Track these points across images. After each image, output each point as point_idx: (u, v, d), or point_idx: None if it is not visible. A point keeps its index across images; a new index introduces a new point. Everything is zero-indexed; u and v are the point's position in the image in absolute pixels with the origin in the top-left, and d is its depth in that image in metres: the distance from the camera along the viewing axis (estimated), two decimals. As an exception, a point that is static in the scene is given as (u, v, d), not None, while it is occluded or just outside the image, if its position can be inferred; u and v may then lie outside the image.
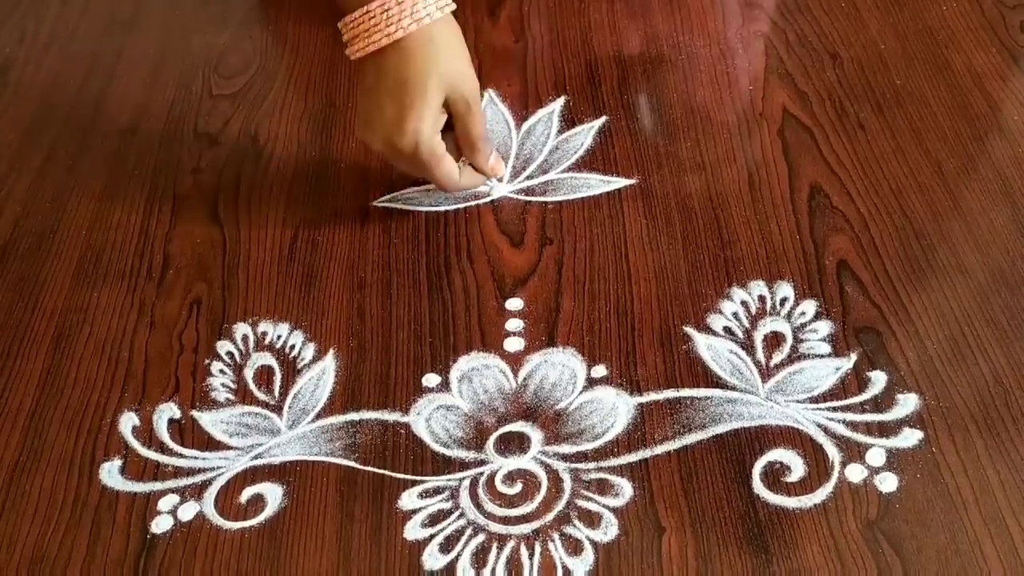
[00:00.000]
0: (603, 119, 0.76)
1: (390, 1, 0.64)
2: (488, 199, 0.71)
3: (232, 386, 0.62)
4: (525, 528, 0.55)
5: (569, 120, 0.76)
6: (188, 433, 0.60)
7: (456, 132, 0.68)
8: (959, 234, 0.67)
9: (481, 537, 0.55)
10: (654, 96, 0.77)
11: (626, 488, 0.56)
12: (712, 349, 0.61)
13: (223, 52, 0.85)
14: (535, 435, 0.58)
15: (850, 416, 0.58)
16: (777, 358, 0.61)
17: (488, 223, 0.70)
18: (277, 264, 0.69)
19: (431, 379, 0.61)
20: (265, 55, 0.85)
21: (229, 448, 0.59)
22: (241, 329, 0.65)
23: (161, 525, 0.56)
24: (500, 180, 0.72)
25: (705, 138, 0.74)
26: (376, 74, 0.65)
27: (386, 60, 0.65)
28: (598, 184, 0.72)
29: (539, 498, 0.56)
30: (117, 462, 0.59)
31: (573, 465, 0.57)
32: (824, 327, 0.62)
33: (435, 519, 0.55)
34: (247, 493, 0.57)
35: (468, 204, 0.71)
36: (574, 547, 0.54)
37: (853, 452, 0.56)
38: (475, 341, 0.63)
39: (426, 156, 0.65)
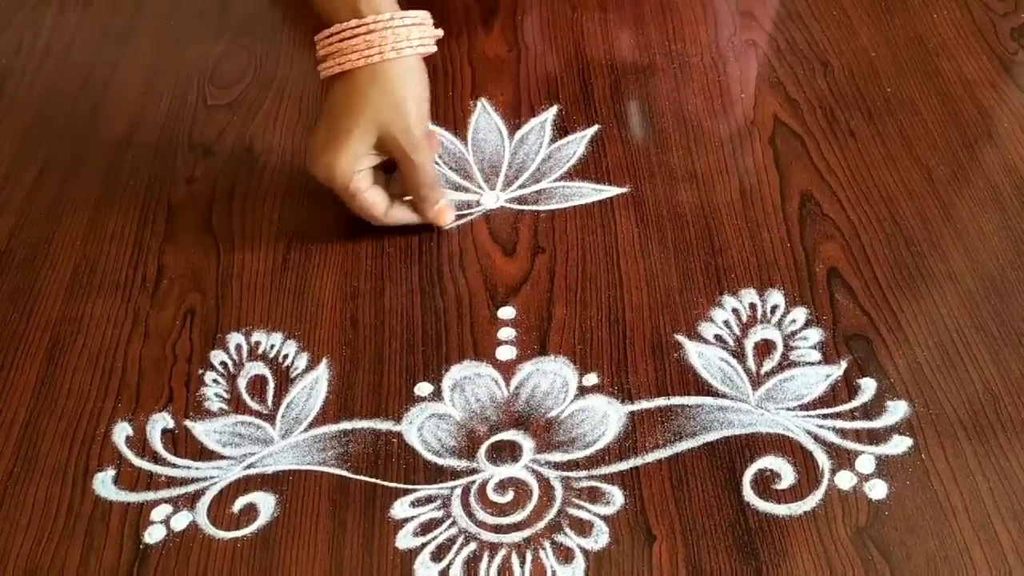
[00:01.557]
0: (595, 128, 0.77)
1: (379, 22, 0.64)
2: (480, 209, 0.72)
3: (225, 396, 0.62)
4: (516, 536, 0.55)
5: (562, 129, 0.77)
6: (181, 443, 0.60)
7: (400, 176, 0.68)
8: (949, 241, 0.67)
9: (473, 546, 0.55)
10: (644, 103, 0.78)
11: (617, 496, 0.56)
12: (703, 357, 0.62)
13: (218, 63, 0.86)
14: (527, 443, 0.59)
15: (840, 423, 0.58)
16: (768, 366, 0.61)
17: (480, 232, 0.70)
18: (271, 274, 0.69)
19: (423, 388, 0.62)
20: (260, 66, 0.85)
21: (222, 458, 0.59)
22: (234, 339, 0.65)
23: (154, 535, 0.56)
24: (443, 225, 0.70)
25: (697, 146, 0.75)
26: (327, 97, 0.66)
27: (338, 86, 0.65)
28: (590, 193, 0.72)
29: (530, 506, 0.56)
30: (110, 472, 0.59)
31: (564, 473, 0.57)
32: (814, 335, 0.62)
33: (427, 528, 0.56)
34: (240, 502, 0.57)
35: (461, 213, 0.71)
36: (565, 555, 0.54)
37: (843, 459, 0.56)
38: (467, 350, 0.63)
39: (338, 190, 0.66)
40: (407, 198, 0.69)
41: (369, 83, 0.64)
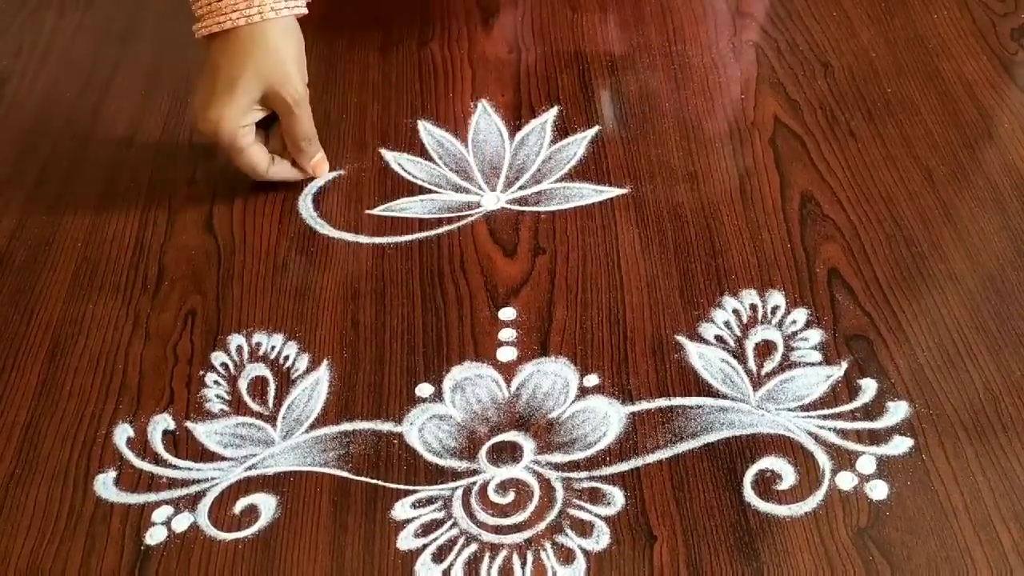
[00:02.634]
0: (596, 129, 0.77)
1: None
2: (481, 210, 0.72)
3: (226, 397, 0.62)
4: (517, 537, 0.55)
5: (562, 130, 0.77)
6: (182, 444, 0.60)
7: (281, 129, 0.71)
8: (949, 242, 0.67)
9: (474, 546, 0.55)
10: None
11: (618, 497, 0.56)
12: (704, 358, 0.62)
13: (218, 64, 0.86)
14: (527, 444, 0.59)
15: (841, 424, 0.58)
16: (768, 366, 0.61)
17: (481, 233, 0.70)
18: (271, 275, 0.69)
19: (424, 389, 0.62)
20: (260, 67, 0.85)
21: (223, 459, 0.59)
22: (235, 340, 0.65)
23: (155, 536, 0.56)
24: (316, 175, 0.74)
25: (697, 147, 0.75)
26: (207, 56, 0.69)
27: (217, 44, 0.68)
28: (591, 194, 0.72)
29: (531, 507, 0.56)
30: (112, 473, 0.59)
31: (565, 474, 0.57)
32: (815, 335, 0.62)
33: (428, 529, 0.56)
34: (241, 504, 0.57)
35: (461, 214, 0.72)
36: (566, 556, 0.54)
37: (844, 460, 0.56)
38: (468, 351, 0.63)
39: (224, 144, 0.69)
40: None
41: (251, 41, 0.67)
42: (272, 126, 0.72)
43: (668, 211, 0.70)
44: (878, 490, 0.55)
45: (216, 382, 0.63)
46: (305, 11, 0.70)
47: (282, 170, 0.73)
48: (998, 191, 0.70)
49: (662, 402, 0.60)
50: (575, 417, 0.60)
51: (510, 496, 0.57)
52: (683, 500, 0.55)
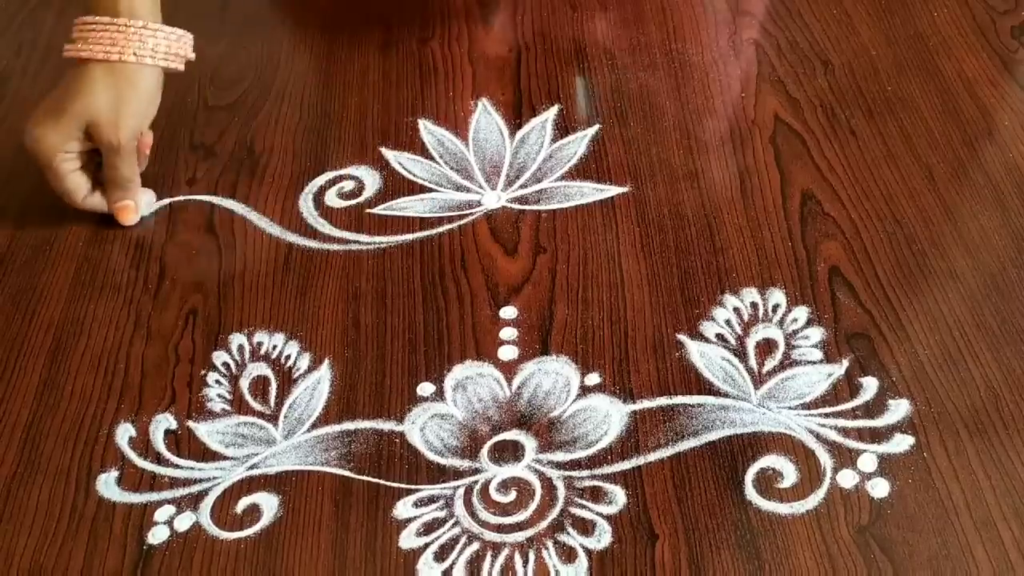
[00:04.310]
0: (596, 127, 0.77)
1: (130, 26, 0.68)
2: (482, 209, 0.72)
3: (228, 396, 0.62)
4: (519, 536, 0.55)
5: (562, 129, 0.77)
6: (184, 444, 0.60)
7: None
8: (950, 240, 0.67)
9: (475, 545, 0.55)
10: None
11: (619, 496, 0.56)
12: (705, 356, 0.62)
13: (219, 63, 0.86)
14: (529, 443, 0.59)
15: (842, 422, 0.58)
16: (769, 365, 0.61)
17: (482, 232, 0.70)
18: (272, 274, 0.69)
19: (426, 388, 0.62)
20: (261, 67, 0.85)
21: (225, 458, 0.59)
22: (237, 340, 0.65)
23: (157, 536, 0.56)
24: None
25: (697, 146, 0.75)
26: (63, 75, 0.70)
27: (73, 69, 0.69)
28: (591, 192, 0.72)
29: (533, 506, 0.56)
30: (114, 473, 0.59)
31: (567, 473, 0.57)
32: (816, 333, 0.62)
33: (430, 528, 0.56)
34: (243, 503, 0.57)
35: (462, 213, 0.72)
36: (568, 555, 0.54)
37: (845, 458, 0.57)
38: (469, 350, 0.63)
39: (41, 164, 0.70)
40: None
41: (100, 76, 0.68)
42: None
43: (669, 209, 0.70)
44: (879, 488, 0.55)
45: (218, 381, 0.63)
46: (177, 67, 0.71)
47: (99, 203, 0.72)
48: (999, 189, 0.70)
49: (663, 401, 0.60)
50: (576, 416, 0.60)
51: (512, 495, 0.57)
52: (685, 498, 0.56)
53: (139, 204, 0.73)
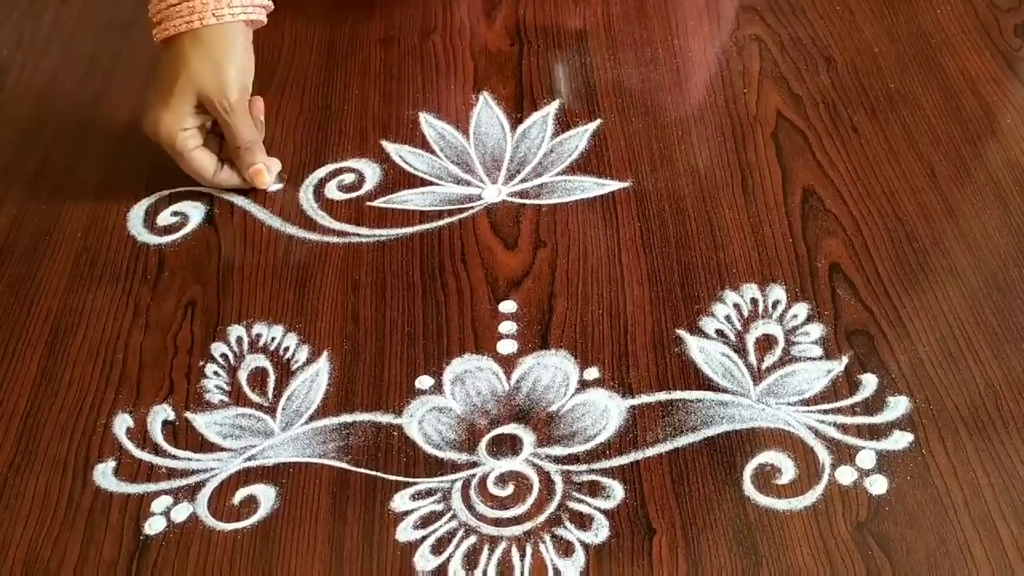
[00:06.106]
0: (597, 122, 0.76)
1: None
2: (482, 203, 0.72)
3: (226, 388, 0.62)
4: (516, 530, 0.55)
5: (563, 123, 0.77)
6: (182, 435, 0.60)
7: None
8: (951, 237, 0.67)
9: (473, 539, 0.55)
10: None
11: (617, 490, 0.56)
12: (704, 352, 0.62)
13: (219, 55, 0.85)
14: (527, 437, 0.59)
15: (841, 419, 0.58)
16: (769, 361, 0.61)
17: (482, 226, 0.70)
18: (272, 267, 0.69)
19: (424, 381, 0.62)
20: (261, 59, 0.84)
21: (222, 450, 0.59)
22: (235, 331, 0.65)
23: (154, 526, 0.56)
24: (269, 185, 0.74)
25: (699, 141, 0.74)
26: (159, 60, 0.71)
27: (165, 49, 0.70)
28: (592, 187, 0.72)
29: (531, 500, 0.56)
30: (111, 463, 0.59)
31: (565, 467, 0.57)
32: (816, 330, 0.62)
33: (427, 521, 0.56)
34: (240, 495, 0.57)
35: (462, 207, 0.71)
36: (565, 549, 0.54)
37: (843, 454, 0.56)
38: (468, 343, 0.63)
39: (166, 148, 0.70)
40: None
41: (191, 47, 0.69)
42: None
43: (669, 205, 0.70)
44: (878, 485, 0.55)
45: (216, 373, 0.63)
46: (258, 17, 0.71)
47: (229, 177, 0.73)
48: (1000, 187, 0.70)
49: (662, 396, 0.60)
50: (575, 410, 0.60)
51: (509, 489, 0.57)
52: (683, 494, 0.55)
53: (271, 167, 0.73)
